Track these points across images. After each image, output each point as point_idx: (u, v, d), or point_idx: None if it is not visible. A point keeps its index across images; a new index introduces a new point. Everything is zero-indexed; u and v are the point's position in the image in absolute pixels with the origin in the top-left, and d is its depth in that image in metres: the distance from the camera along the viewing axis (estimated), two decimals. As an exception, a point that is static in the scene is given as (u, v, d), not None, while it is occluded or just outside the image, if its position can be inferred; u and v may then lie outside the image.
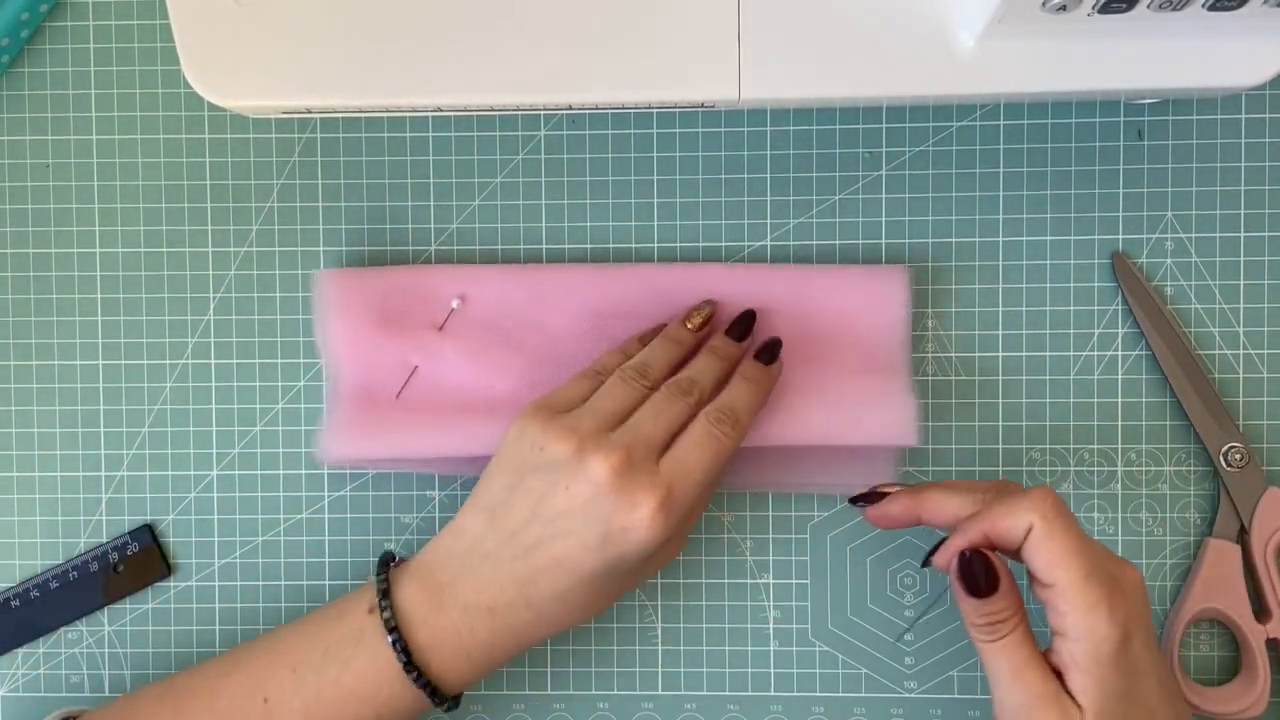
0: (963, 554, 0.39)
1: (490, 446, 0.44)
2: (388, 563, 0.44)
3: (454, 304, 0.47)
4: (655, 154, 0.49)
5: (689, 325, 0.46)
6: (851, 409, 0.46)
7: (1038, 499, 0.38)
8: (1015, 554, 0.39)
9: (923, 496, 0.42)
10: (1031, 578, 0.39)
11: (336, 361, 0.48)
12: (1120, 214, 0.48)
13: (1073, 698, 0.38)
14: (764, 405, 0.45)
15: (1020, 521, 0.38)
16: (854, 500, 0.45)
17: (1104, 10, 0.37)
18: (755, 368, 0.45)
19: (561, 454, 0.41)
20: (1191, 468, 0.48)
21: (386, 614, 0.42)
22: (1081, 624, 0.37)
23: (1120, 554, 0.48)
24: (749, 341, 0.46)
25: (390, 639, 0.41)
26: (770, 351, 0.45)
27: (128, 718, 0.43)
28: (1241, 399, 0.48)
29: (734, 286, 0.47)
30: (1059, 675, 0.38)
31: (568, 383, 0.45)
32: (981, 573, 0.39)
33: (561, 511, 0.41)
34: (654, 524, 0.40)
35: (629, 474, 0.40)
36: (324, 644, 0.42)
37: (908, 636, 0.48)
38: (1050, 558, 0.38)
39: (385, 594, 0.42)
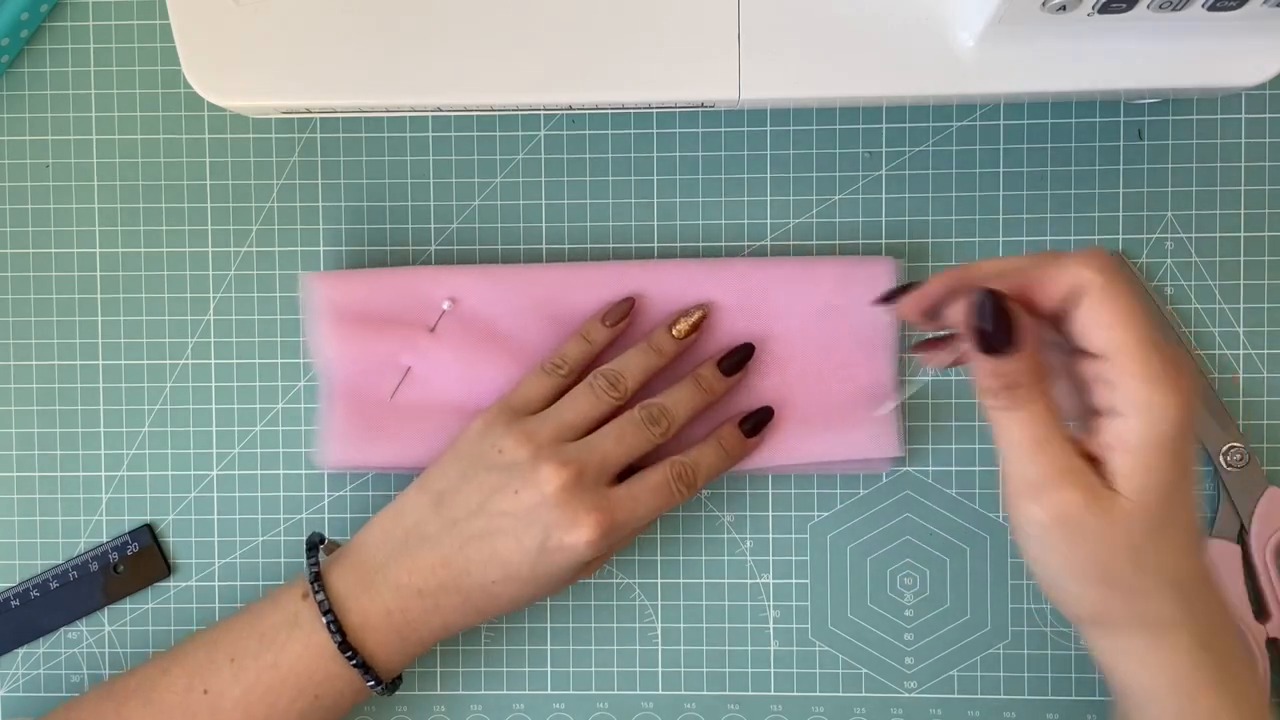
0: (978, 298, 0.33)
1: None
2: (316, 545, 0.45)
3: (445, 305, 0.47)
4: (655, 154, 0.49)
5: (675, 332, 0.46)
6: (834, 429, 0.47)
7: (1095, 257, 0.32)
8: (1055, 323, 0.34)
9: (963, 269, 0.35)
10: (1075, 352, 0.33)
11: (328, 364, 0.47)
12: (1120, 214, 0.48)
13: (1108, 485, 0.33)
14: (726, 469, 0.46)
15: (1070, 276, 0.32)
16: (881, 300, 0.39)
17: (1104, 10, 0.37)
18: (733, 437, 0.45)
19: (517, 458, 0.42)
20: (1191, 468, 0.48)
21: (320, 596, 0.43)
22: (1140, 396, 0.32)
23: (1120, 554, 0.48)
24: (739, 377, 0.46)
25: (325, 620, 0.42)
26: (737, 365, 0.46)
27: None
28: (1241, 399, 0.48)
29: (725, 285, 0.47)
30: (1093, 463, 0.33)
31: (528, 378, 0.45)
32: (1001, 325, 0.32)
33: (507, 511, 0.42)
34: (590, 546, 0.41)
35: (577, 491, 0.42)
36: (259, 631, 0.43)
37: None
38: (1109, 320, 0.32)
39: (317, 577, 0.43)
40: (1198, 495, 0.36)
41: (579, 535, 0.41)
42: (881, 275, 0.47)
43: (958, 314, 0.34)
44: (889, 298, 0.38)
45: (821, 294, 0.47)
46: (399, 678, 0.45)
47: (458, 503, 0.43)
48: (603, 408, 0.44)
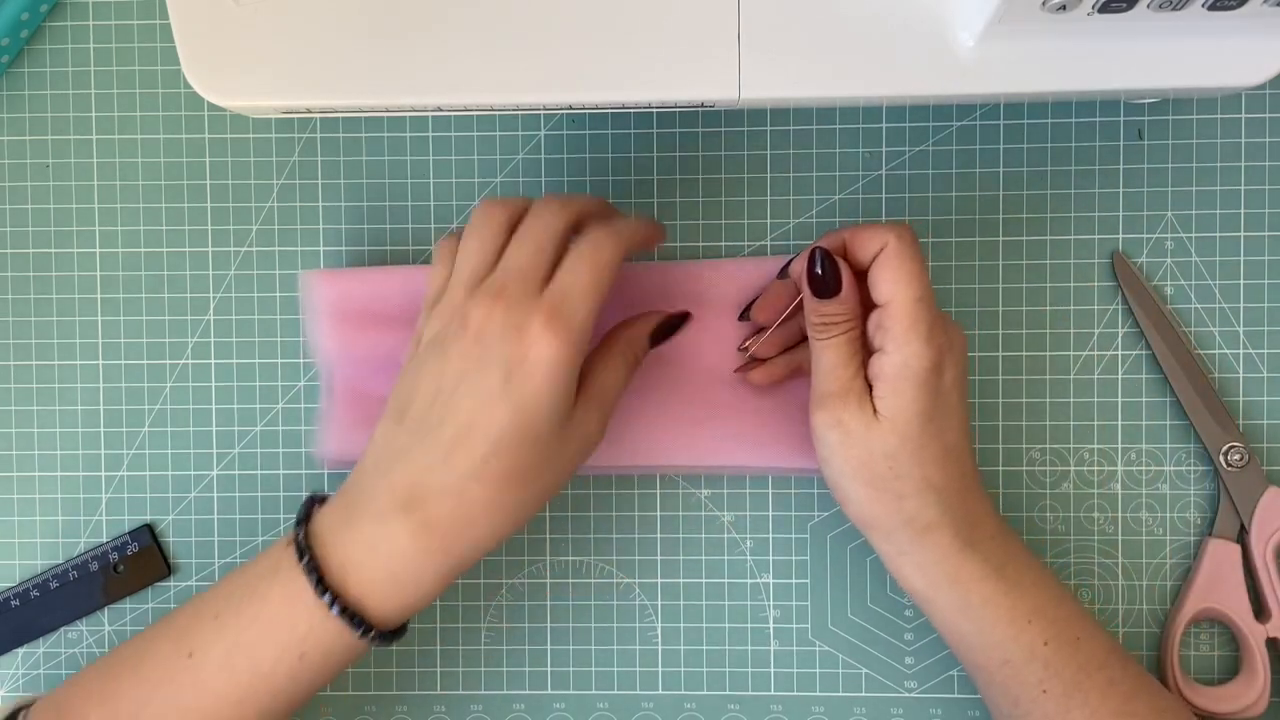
0: (813, 252, 0.42)
1: None
2: (313, 500, 0.41)
3: None
4: (655, 154, 0.49)
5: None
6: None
7: (897, 226, 0.41)
8: (864, 275, 0.41)
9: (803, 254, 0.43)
10: (871, 305, 0.41)
11: (328, 361, 0.47)
12: (1120, 214, 0.48)
13: (874, 405, 0.41)
14: (646, 242, 0.43)
15: (876, 239, 0.40)
16: (742, 316, 0.46)
17: (1104, 10, 0.37)
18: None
19: (446, 329, 0.39)
20: (1191, 468, 0.48)
21: (299, 536, 0.39)
22: (899, 338, 0.40)
23: (1120, 554, 0.48)
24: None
25: (301, 559, 0.38)
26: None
27: (68, 696, 0.42)
28: (1241, 399, 0.48)
29: (728, 284, 0.47)
30: (870, 387, 0.41)
31: (432, 267, 0.43)
32: (828, 273, 0.41)
33: (458, 374, 0.38)
34: (546, 340, 0.37)
35: (507, 308, 0.38)
36: (244, 584, 0.40)
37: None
38: (893, 275, 0.40)
39: (301, 521, 0.40)
40: (964, 425, 0.42)
41: (531, 337, 0.37)
42: None
43: (799, 267, 0.43)
44: (746, 314, 0.46)
45: None
46: (401, 629, 0.40)
47: (416, 404, 0.39)
48: (503, 238, 0.40)
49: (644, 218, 0.45)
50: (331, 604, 0.38)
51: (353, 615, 0.38)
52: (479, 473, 0.38)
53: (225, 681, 0.39)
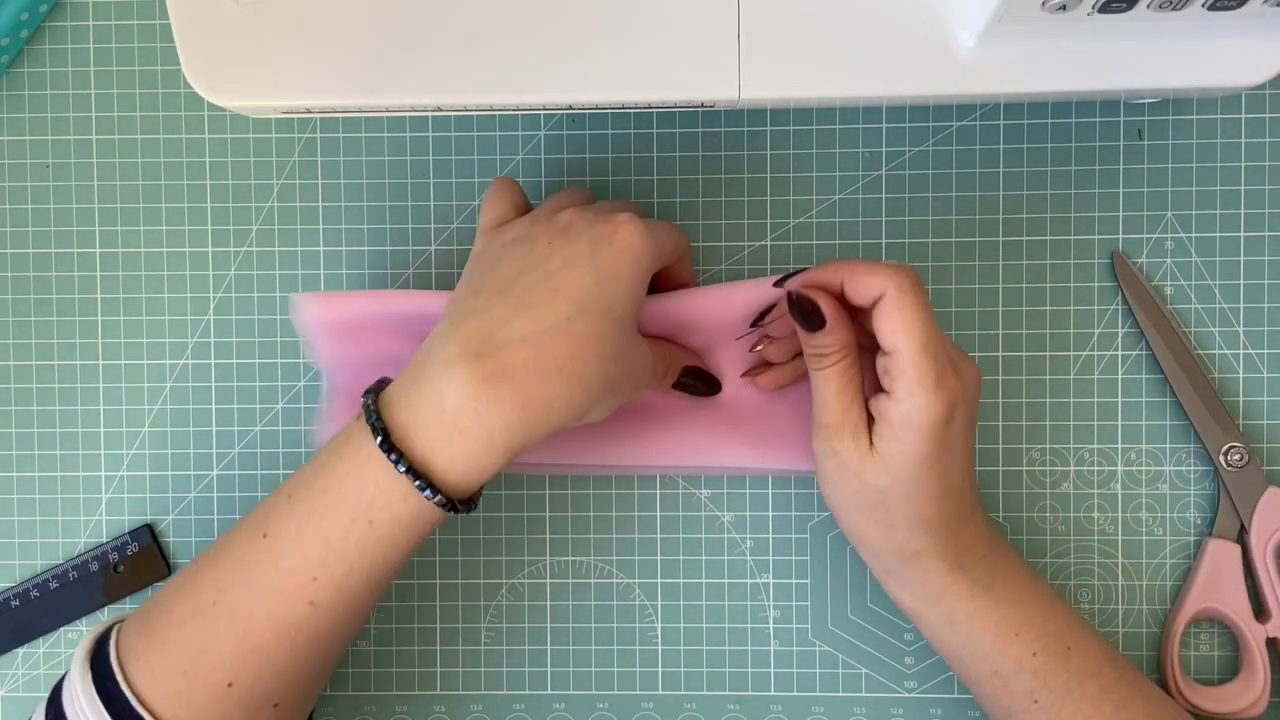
0: (789, 293, 0.42)
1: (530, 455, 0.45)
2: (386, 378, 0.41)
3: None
4: (655, 154, 0.49)
5: None
6: None
7: (897, 270, 0.39)
8: (868, 317, 0.40)
9: (809, 272, 0.42)
10: (878, 350, 0.40)
11: (328, 370, 0.47)
12: (1120, 214, 0.48)
13: (871, 442, 0.40)
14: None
15: (876, 283, 0.39)
16: (778, 282, 0.44)
17: (1104, 10, 0.37)
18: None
19: (529, 230, 0.41)
20: (1191, 468, 0.48)
21: (368, 402, 0.38)
22: (905, 389, 0.39)
23: (1120, 554, 0.48)
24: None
25: (367, 421, 0.37)
26: None
27: (154, 600, 0.41)
28: (1241, 399, 0.48)
29: (723, 310, 0.45)
30: (871, 421, 0.41)
31: (486, 209, 0.44)
32: (807, 310, 0.41)
33: (545, 252, 0.39)
34: (631, 228, 0.39)
35: (595, 212, 0.41)
36: (318, 463, 0.39)
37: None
38: (895, 325, 0.39)
39: (374, 391, 0.39)
40: (968, 463, 0.41)
41: (620, 220, 0.40)
42: None
43: (783, 308, 0.43)
44: (760, 320, 0.45)
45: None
46: (473, 498, 0.39)
47: (496, 278, 0.39)
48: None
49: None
50: (397, 462, 0.37)
51: (418, 474, 0.37)
52: (564, 328, 0.37)
53: (298, 557, 0.38)
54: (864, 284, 0.40)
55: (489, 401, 0.36)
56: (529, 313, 0.38)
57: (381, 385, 0.40)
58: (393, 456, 0.37)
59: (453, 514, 0.38)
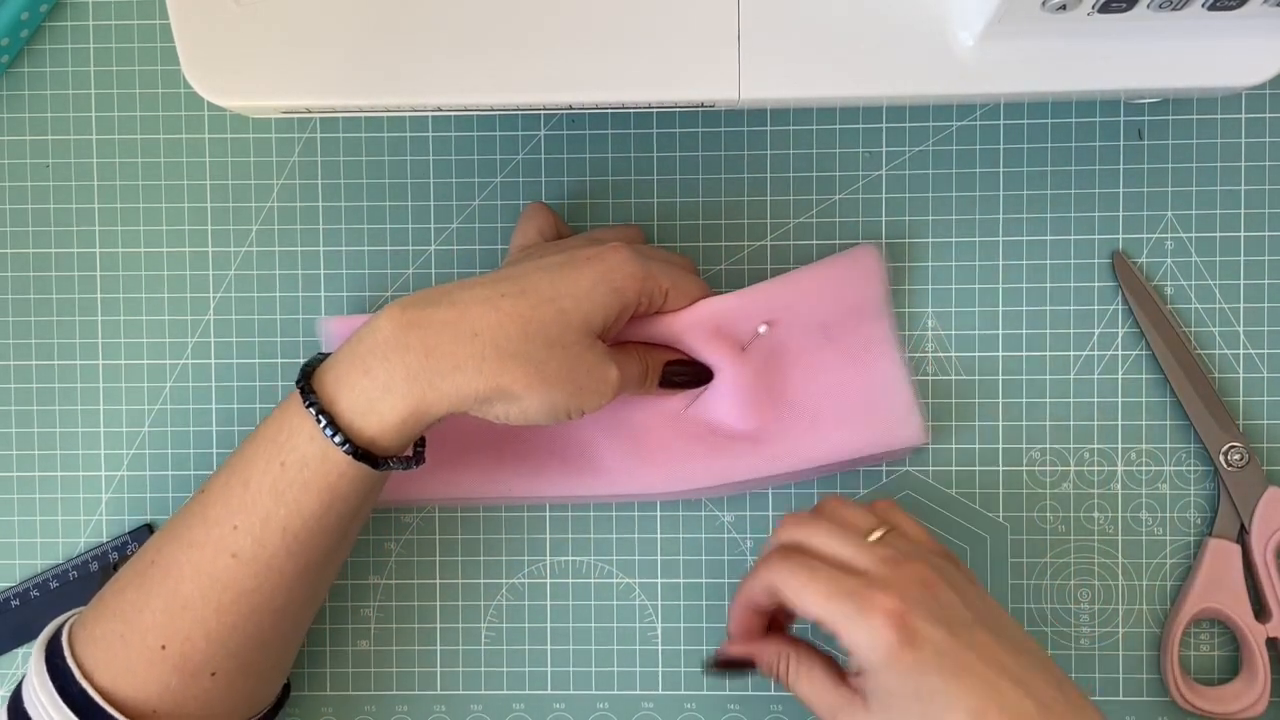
0: (709, 662, 0.43)
1: (514, 489, 0.46)
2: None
3: None
4: (655, 154, 0.49)
5: None
6: (858, 424, 0.46)
7: (767, 563, 0.40)
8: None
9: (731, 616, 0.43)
10: None
11: None
12: (1120, 214, 0.48)
13: (864, 706, 0.38)
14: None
15: (765, 586, 0.40)
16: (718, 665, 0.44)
17: (1104, 10, 0.37)
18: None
19: (577, 246, 0.42)
20: (1191, 468, 0.48)
21: (304, 363, 0.40)
22: (847, 641, 0.37)
23: (1120, 554, 0.48)
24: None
25: (301, 369, 0.39)
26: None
27: (109, 589, 0.42)
28: (1241, 399, 0.48)
29: (723, 318, 0.45)
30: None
31: (516, 236, 0.46)
32: (726, 665, 0.42)
33: (561, 261, 0.41)
34: (623, 253, 0.41)
35: (597, 247, 0.41)
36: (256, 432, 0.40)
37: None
38: (799, 604, 0.38)
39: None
40: (979, 690, 0.36)
41: (608, 249, 0.41)
42: (869, 267, 0.47)
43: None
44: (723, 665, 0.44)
45: (820, 307, 0.46)
46: (385, 457, 0.39)
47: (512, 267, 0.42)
48: None
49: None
50: (305, 398, 0.38)
51: (321, 411, 0.38)
52: (493, 300, 0.38)
53: (220, 506, 0.39)
54: (761, 591, 0.40)
55: (396, 347, 0.37)
56: (470, 286, 0.39)
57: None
58: (305, 396, 0.38)
59: (368, 466, 0.38)
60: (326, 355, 0.41)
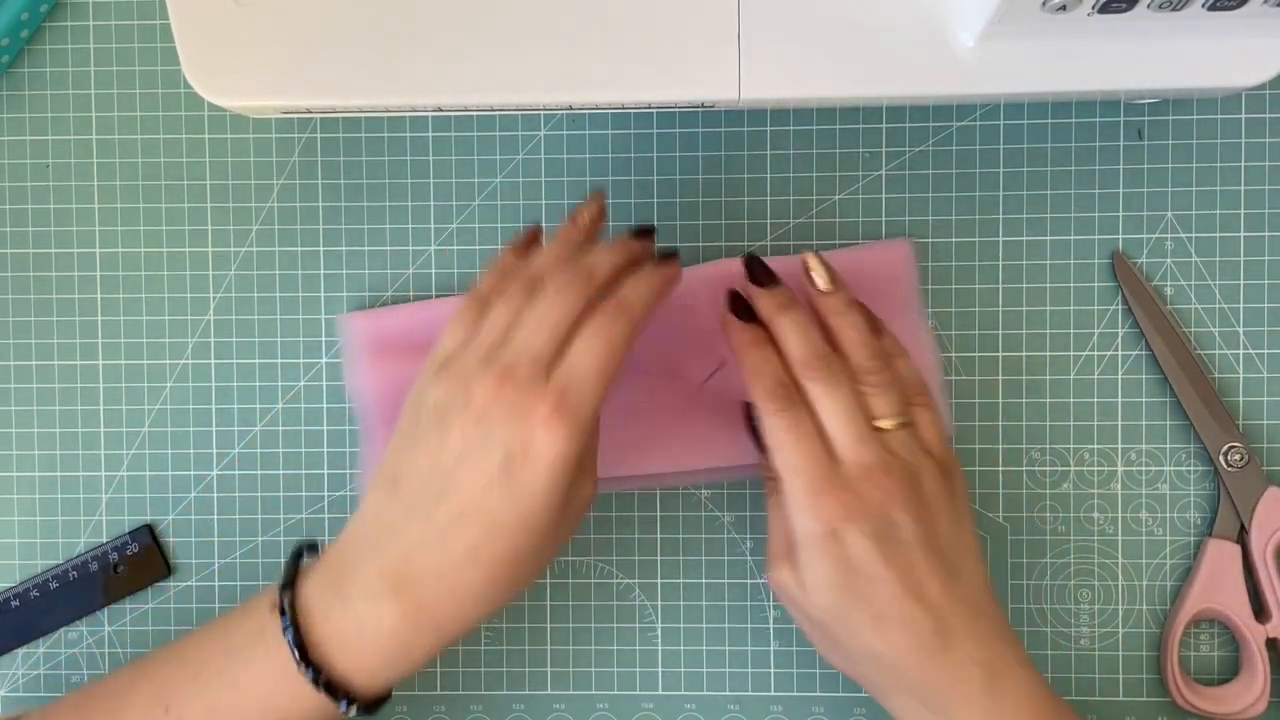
0: (746, 259, 0.43)
1: None
2: (301, 553, 0.41)
3: None
4: (655, 154, 0.49)
5: (578, 223, 0.42)
6: None
7: (776, 396, 0.40)
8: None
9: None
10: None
11: (368, 403, 0.47)
12: (1120, 214, 0.48)
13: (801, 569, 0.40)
14: (662, 300, 0.40)
15: (758, 402, 0.41)
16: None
17: (1104, 10, 0.37)
18: (660, 263, 0.41)
19: (450, 401, 0.37)
20: (1191, 468, 0.48)
21: (285, 606, 0.38)
22: (788, 511, 0.40)
23: (1120, 554, 0.48)
24: (651, 245, 0.42)
25: (286, 632, 0.38)
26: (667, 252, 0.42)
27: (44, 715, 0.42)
28: (1241, 399, 0.48)
29: (702, 288, 0.46)
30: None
31: (450, 323, 0.41)
32: (757, 270, 0.43)
33: (457, 454, 0.37)
34: (551, 429, 0.36)
35: (513, 389, 0.36)
36: (226, 646, 0.40)
37: None
38: (771, 451, 0.40)
39: (288, 585, 0.39)
40: (900, 591, 0.39)
41: (534, 423, 0.36)
42: (899, 260, 0.47)
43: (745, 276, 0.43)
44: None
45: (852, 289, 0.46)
46: (386, 696, 0.40)
47: (411, 477, 0.38)
48: (523, 309, 0.39)
49: (661, 263, 0.41)
50: (315, 680, 0.38)
51: (336, 689, 0.38)
52: (474, 558, 0.37)
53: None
54: (748, 384, 0.41)
55: (410, 631, 0.38)
56: (440, 542, 0.37)
57: (296, 565, 0.40)
58: (310, 673, 0.38)
59: (367, 715, 0.39)
60: (297, 572, 0.40)
